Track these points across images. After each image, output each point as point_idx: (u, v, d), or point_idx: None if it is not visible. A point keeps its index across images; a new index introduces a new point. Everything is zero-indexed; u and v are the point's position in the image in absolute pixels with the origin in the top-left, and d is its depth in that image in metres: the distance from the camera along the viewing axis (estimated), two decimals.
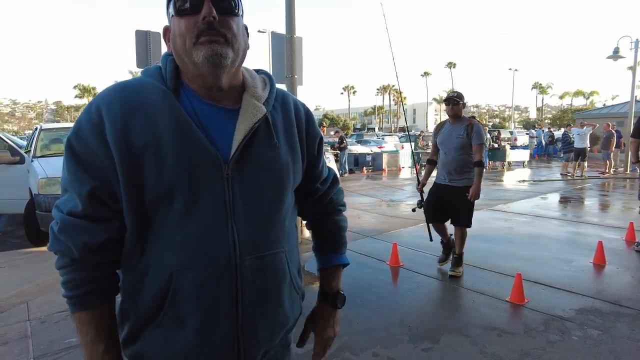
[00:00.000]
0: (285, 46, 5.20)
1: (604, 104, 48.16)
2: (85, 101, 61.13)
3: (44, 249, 5.08)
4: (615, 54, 12.77)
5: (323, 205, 1.16)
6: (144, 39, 6.73)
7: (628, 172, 12.47)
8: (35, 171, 5.22)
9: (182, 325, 0.87)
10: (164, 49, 0.96)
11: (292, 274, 0.98)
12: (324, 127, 11.23)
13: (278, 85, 1.03)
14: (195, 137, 0.84)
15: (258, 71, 1.02)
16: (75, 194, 0.84)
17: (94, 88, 60.38)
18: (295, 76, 5.23)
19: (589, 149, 12.23)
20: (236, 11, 0.88)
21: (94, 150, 0.82)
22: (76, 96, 61.48)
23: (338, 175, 1.23)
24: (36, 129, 6.83)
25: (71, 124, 8.50)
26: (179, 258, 0.84)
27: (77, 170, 0.84)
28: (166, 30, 0.93)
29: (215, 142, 0.86)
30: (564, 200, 8.37)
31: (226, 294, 0.86)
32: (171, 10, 0.87)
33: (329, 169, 1.19)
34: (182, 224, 0.84)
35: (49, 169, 5.15)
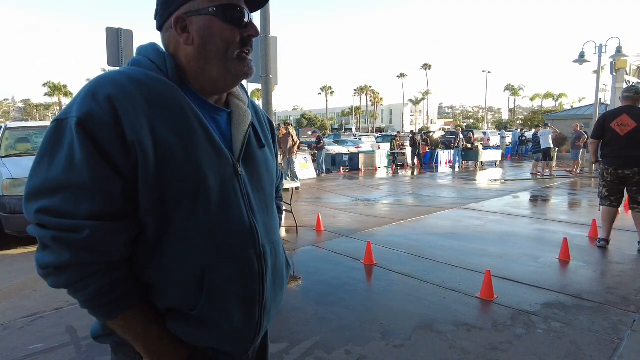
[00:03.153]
0: (260, 46, 5.19)
1: (572, 106, 49.98)
2: (55, 99, 58.97)
3: (9, 252, 4.90)
4: (581, 59, 13.26)
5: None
6: (115, 37, 6.58)
7: (593, 171, 12.98)
8: (0, 172, 5.03)
9: (218, 317, 0.89)
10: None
11: (286, 257, 1.10)
12: (290, 124, 11.12)
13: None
14: (212, 135, 0.88)
15: None
16: (96, 192, 0.76)
17: (65, 86, 58.26)
18: (270, 76, 5.23)
19: (553, 148, 12.69)
20: None
21: (109, 145, 0.77)
22: (46, 94, 59.27)
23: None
24: (1, 127, 6.57)
25: (40, 123, 8.19)
26: (210, 253, 0.86)
27: (97, 166, 0.76)
28: (179, 19, 0.88)
29: (221, 141, 0.91)
30: (534, 199, 8.65)
31: (256, 279, 0.92)
32: (211, 9, 0.87)
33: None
34: (210, 220, 0.86)
35: (15, 170, 4.97)
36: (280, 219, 1.34)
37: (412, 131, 19.69)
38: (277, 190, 1.28)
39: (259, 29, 0.96)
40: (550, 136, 12.47)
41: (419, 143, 16.61)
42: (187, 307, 0.87)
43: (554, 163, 12.71)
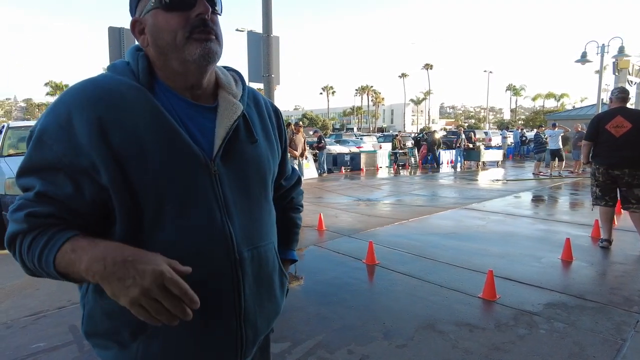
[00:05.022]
0: (262, 45, 5.19)
1: (574, 106, 49.86)
2: None
3: None
4: (583, 59, 13.25)
5: (284, 203, 1.20)
6: (117, 36, 6.58)
7: None
8: (2, 171, 5.05)
9: (184, 326, 0.83)
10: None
11: (279, 264, 1.03)
12: (300, 127, 11.25)
13: (252, 85, 1.05)
14: (178, 135, 0.83)
15: (227, 68, 1.03)
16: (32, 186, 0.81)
17: (66, 85, 58.37)
18: (272, 75, 5.23)
19: (562, 149, 12.62)
20: (219, 10, 0.90)
21: (58, 156, 0.78)
22: (48, 93, 59.41)
23: (302, 178, 1.28)
24: (3, 126, 6.60)
25: None
26: (176, 259, 0.81)
27: (38, 170, 0.81)
28: (136, 22, 0.88)
29: (198, 139, 0.86)
30: (536, 199, 8.63)
31: (229, 288, 0.87)
32: (152, 2, 0.84)
33: (294, 169, 1.24)
34: (177, 224, 0.83)
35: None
36: (297, 233, 1.24)
37: (434, 130, 19.46)
38: (289, 198, 1.20)
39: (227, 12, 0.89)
40: (561, 136, 12.40)
41: (439, 142, 16.60)
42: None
43: (556, 163, 12.67)
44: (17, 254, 0.80)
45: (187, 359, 0.87)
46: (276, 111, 1.09)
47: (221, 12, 0.91)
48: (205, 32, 0.84)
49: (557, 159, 12.44)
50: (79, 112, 0.78)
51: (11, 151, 5.82)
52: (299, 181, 1.25)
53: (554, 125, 12.73)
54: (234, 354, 0.91)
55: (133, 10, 0.89)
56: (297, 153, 10.71)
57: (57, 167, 0.79)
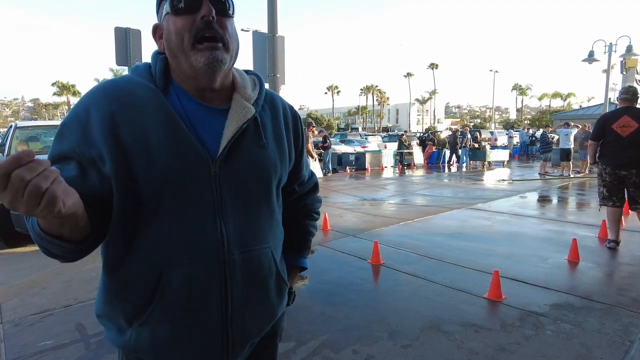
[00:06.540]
0: (268, 45, 5.20)
1: (580, 106, 49.54)
2: (64, 99, 59.62)
3: (19, 250, 4.96)
4: (590, 58, 13.13)
5: (297, 208, 1.19)
6: (123, 36, 6.63)
7: None
8: None
9: (171, 320, 0.89)
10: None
11: (278, 268, 1.02)
12: (313, 127, 11.32)
13: None
14: (182, 135, 0.86)
15: (248, 72, 1.04)
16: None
17: (73, 85, 58.78)
18: (278, 75, 5.23)
19: (573, 148, 12.46)
20: (231, 12, 0.90)
21: (72, 146, 0.84)
22: (54, 94, 59.82)
23: (318, 183, 1.26)
24: (11, 126, 6.67)
25: (49, 122, 8.35)
26: (168, 254, 0.86)
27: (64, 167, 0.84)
28: (157, 28, 0.93)
29: (204, 140, 0.88)
30: (542, 199, 8.57)
31: (215, 288, 0.89)
32: (166, 8, 0.87)
33: (312, 174, 1.22)
34: (171, 221, 0.86)
35: None
36: (309, 241, 1.22)
37: (455, 129, 19.19)
38: (302, 204, 1.19)
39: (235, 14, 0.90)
40: (573, 135, 12.24)
41: (459, 141, 16.51)
42: (142, 307, 0.88)
43: (570, 163, 12.53)
44: (29, 229, 0.82)
45: (173, 350, 0.91)
46: (295, 116, 1.08)
47: (233, 14, 0.91)
48: (208, 40, 0.85)
49: (563, 158, 12.33)
50: (95, 108, 0.84)
51: (19, 150, 5.87)
52: (315, 188, 1.22)
53: (567, 125, 12.54)
54: (220, 350, 0.93)
55: (157, 16, 0.94)
56: (314, 153, 10.75)
57: (70, 156, 0.84)
